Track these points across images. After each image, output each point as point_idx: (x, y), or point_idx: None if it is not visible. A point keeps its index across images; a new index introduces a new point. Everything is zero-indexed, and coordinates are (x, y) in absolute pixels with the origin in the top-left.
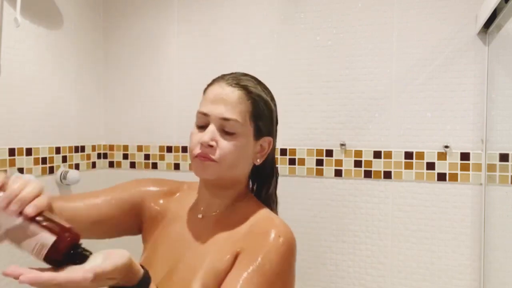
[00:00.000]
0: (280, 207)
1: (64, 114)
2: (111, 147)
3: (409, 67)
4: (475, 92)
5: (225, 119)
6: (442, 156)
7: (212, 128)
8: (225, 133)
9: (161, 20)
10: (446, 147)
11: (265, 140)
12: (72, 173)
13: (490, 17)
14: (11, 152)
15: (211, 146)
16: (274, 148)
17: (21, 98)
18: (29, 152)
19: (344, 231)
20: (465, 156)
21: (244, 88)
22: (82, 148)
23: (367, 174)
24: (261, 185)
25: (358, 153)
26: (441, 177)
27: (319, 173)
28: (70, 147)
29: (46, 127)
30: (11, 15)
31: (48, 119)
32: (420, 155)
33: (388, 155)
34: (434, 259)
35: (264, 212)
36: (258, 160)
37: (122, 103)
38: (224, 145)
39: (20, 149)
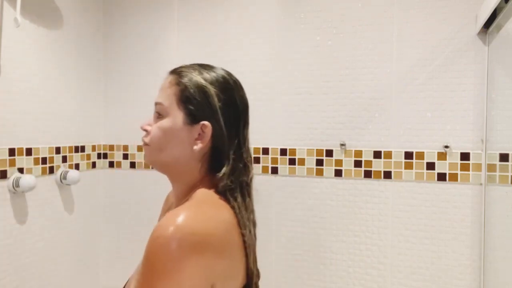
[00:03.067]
0: (280, 207)
1: (64, 114)
2: (111, 147)
3: (409, 67)
4: (475, 92)
5: (155, 104)
6: (442, 156)
7: (153, 114)
8: (158, 117)
9: (161, 20)
10: (446, 147)
11: (202, 125)
12: (72, 173)
13: (490, 17)
14: (11, 152)
15: (146, 130)
16: (225, 135)
17: (21, 98)
18: (29, 152)
19: (344, 231)
20: (465, 156)
21: (177, 73)
22: (82, 148)
23: (367, 174)
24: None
25: (358, 153)
26: (441, 177)
27: (319, 173)
28: (70, 147)
29: (46, 127)
30: (11, 15)
31: (48, 119)
32: (420, 155)
33: (388, 155)
34: (434, 259)
35: (187, 204)
36: (195, 147)
37: (122, 103)
38: (153, 128)
39: (20, 149)
